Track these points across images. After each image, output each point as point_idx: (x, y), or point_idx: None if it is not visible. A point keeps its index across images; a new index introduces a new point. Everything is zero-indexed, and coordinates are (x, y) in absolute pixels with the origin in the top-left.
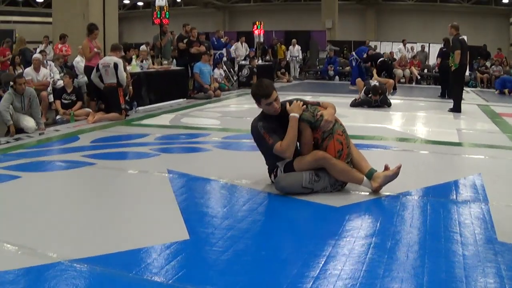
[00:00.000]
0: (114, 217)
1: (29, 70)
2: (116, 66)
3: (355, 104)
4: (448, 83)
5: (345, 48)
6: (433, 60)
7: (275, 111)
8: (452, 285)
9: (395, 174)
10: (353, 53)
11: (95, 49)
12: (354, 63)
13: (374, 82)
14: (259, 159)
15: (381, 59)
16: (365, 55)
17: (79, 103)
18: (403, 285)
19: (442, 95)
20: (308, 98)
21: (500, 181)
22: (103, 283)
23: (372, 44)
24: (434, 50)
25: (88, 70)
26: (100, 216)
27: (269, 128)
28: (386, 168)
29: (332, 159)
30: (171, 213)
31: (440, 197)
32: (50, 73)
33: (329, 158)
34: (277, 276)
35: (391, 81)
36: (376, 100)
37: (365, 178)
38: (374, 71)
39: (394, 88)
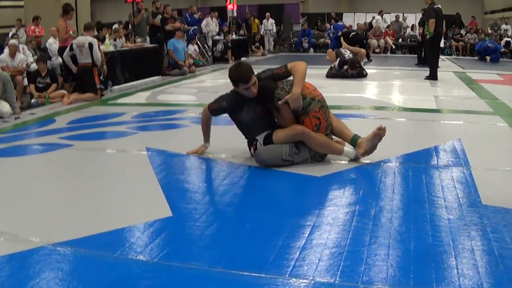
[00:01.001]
0: (95, 198)
1: (3, 56)
2: (91, 45)
3: (331, 75)
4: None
5: (318, 20)
6: (408, 29)
7: (253, 94)
8: (439, 249)
9: (378, 136)
10: (331, 27)
11: (70, 32)
12: (331, 35)
13: (346, 51)
14: (237, 133)
15: (353, 32)
16: (340, 33)
17: (53, 85)
18: (390, 251)
19: (419, 62)
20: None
21: (480, 146)
22: (87, 265)
23: (346, 15)
24: (408, 20)
25: (62, 51)
26: (81, 197)
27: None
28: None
29: (311, 133)
30: (152, 191)
31: (421, 163)
32: (26, 59)
33: (308, 132)
34: (263, 248)
35: (363, 50)
36: (352, 73)
37: (345, 148)
38: (342, 40)
39: (369, 58)
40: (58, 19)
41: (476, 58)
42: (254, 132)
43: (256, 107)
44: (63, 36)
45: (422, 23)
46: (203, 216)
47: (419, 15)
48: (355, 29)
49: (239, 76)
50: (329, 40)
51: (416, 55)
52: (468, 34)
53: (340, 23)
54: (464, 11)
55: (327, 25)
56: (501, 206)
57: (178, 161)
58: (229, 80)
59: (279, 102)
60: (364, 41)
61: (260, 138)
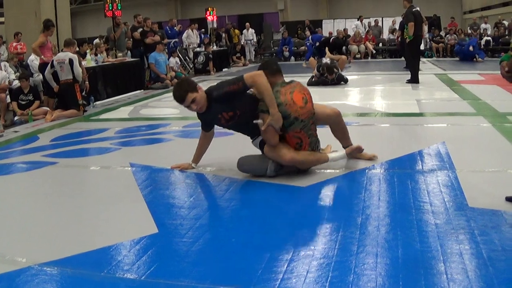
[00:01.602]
0: (81, 216)
1: None
2: (71, 61)
3: (312, 83)
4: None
5: (298, 29)
6: (387, 34)
7: (198, 110)
8: (428, 254)
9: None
10: (310, 37)
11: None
12: (308, 44)
13: (326, 59)
14: (221, 146)
15: (333, 37)
16: (317, 44)
17: (36, 103)
18: (378, 259)
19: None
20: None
21: (464, 148)
22: (75, 284)
23: (325, 21)
24: (387, 24)
25: (43, 67)
26: (67, 216)
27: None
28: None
29: (298, 159)
30: (138, 207)
31: (406, 169)
32: (8, 76)
33: (296, 161)
34: (250, 262)
35: (343, 56)
36: (332, 79)
37: (330, 155)
38: (327, 49)
39: (349, 62)
40: (39, 34)
41: (457, 59)
42: (244, 132)
43: (221, 115)
44: (34, 47)
45: (401, 27)
46: (189, 231)
47: (399, 19)
48: (334, 35)
49: (174, 96)
50: (307, 49)
51: (404, 58)
52: (448, 35)
53: (318, 34)
54: (443, 12)
55: (307, 32)
56: (488, 208)
57: (162, 176)
58: None
59: (262, 128)
60: (344, 47)
61: (257, 141)
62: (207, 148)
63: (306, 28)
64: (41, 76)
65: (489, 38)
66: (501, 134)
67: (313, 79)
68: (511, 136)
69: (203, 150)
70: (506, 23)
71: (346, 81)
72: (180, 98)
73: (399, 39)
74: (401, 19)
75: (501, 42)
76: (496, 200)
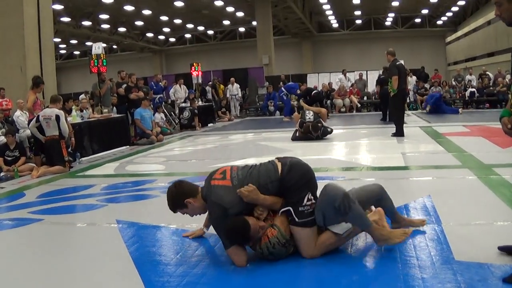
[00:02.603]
0: (67, 274)
1: None
2: (58, 118)
3: (296, 138)
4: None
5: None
6: (372, 87)
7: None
8: None
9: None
10: (282, 88)
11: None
12: (285, 98)
13: (309, 113)
14: None
15: (315, 91)
16: (298, 91)
17: (22, 159)
18: None
19: (384, 119)
20: (250, 135)
21: (450, 201)
22: None
23: (310, 75)
24: (372, 77)
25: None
26: (53, 274)
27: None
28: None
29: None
30: (125, 264)
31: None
32: None
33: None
34: None
35: (324, 109)
36: (317, 135)
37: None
38: (302, 102)
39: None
40: (25, 91)
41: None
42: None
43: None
44: (29, 107)
45: (380, 81)
46: None
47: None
48: (319, 89)
49: (168, 204)
50: (283, 103)
51: (381, 111)
52: (432, 88)
53: (291, 83)
54: (427, 64)
55: (281, 83)
56: (475, 261)
57: (149, 233)
58: (197, 147)
59: None
60: (328, 100)
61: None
62: None
63: (281, 82)
64: (27, 132)
65: (473, 89)
66: (486, 187)
67: (297, 134)
68: (497, 189)
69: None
70: (490, 74)
71: (330, 132)
72: (171, 208)
73: (378, 92)
74: (380, 73)
75: (485, 93)
76: (482, 252)
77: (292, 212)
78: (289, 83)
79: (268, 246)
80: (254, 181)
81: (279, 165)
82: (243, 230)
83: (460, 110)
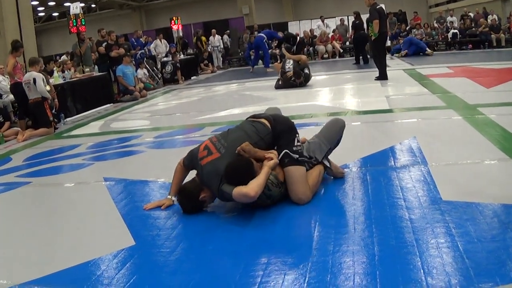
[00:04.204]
0: (58, 233)
1: None
2: (34, 80)
3: (279, 86)
4: (361, 52)
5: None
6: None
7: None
8: (404, 250)
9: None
10: (262, 35)
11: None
12: (266, 45)
13: (289, 62)
14: None
15: (299, 36)
16: (281, 35)
17: (7, 124)
18: (355, 257)
19: (357, 62)
20: (234, 86)
21: (435, 142)
22: None
23: (291, 23)
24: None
25: (15, 87)
26: (44, 234)
27: None
28: None
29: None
30: (114, 221)
31: (378, 166)
32: None
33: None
34: (228, 267)
35: (304, 56)
36: (301, 82)
37: None
38: (284, 50)
39: None
40: (5, 55)
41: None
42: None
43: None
44: (9, 71)
45: (354, 26)
46: (166, 241)
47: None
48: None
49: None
50: (263, 52)
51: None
52: (414, 30)
53: (268, 29)
54: (408, 8)
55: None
56: (462, 200)
57: (137, 188)
58: (182, 101)
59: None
60: (310, 47)
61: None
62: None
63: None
64: (11, 96)
65: (455, 31)
66: (472, 127)
67: (280, 82)
68: (482, 128)
69: (180, 179)
70: (472, 15)
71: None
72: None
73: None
74: (353, 19)
75: (467, 34)
76: (470, 192)
77: (289, 152)
78: (267, 30)
79: (264, 190)
80: (244, 142)
81: (264, 121)
82: (247, 166)
83: (428, 51)
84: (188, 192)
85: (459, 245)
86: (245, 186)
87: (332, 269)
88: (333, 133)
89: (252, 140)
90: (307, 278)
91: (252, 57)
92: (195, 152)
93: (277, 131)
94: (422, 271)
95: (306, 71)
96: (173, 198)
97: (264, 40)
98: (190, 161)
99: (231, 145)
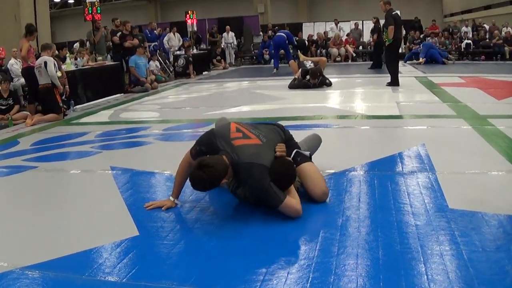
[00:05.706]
0: (62, 219)
1: None
2: (46, 64)
3: (293, 86)
4: (379, 57)
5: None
6: (367, 37)
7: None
8: (408, 256)
9: None
10: (283, 34)
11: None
12: (288, 46)
13: (307, 62)
14: None
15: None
16: (296, 39)
17: (16, 107)
18: (359, 260)
19: (373, 67)
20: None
21: (444, 150)
22: (56, 287)
23: (305, 25)
24: (368, 27)
25: (26, 71)
26: (48, 219)
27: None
28: None
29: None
30: (118, 210)
31: (386, 170)
32: None
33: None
34: (231, 263)
35: (324, 58)
36: (314, 83)
37: None
38: (299, 53)
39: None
40: (19, 39)
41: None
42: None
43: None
44: (23, 54)
45: (375, 30)
46: (170, 233)
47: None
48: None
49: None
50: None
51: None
52: (428, 38)
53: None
54: (423, 15)
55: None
56: (468, 209)
57: (143, 179)
58: (191, 95)
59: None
60: (323, 50)
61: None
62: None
63: (271, 32)
64: (21, 80)
65: (469, 41)
66: (481, 137)
67: (295, 82)
68: (491, 139)
69: (184, 181)
70: (486, 26)
71: (329, 84)
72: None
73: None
74: (373, 24)
75: (481, 45)
76: (476, 201)
77: (300, 151)
78: (279, 35)
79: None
80: (277, 139)
81: (277, 127)
82: (293, 170)
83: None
84: (217, 174)
85: (464, 254)
86: (298, 202)
87: (336, 270)
88: (313, 147)
89: (279, 140)
90: (310, 279)
91: (265, 55)
92: (222, 132)
93: (287, 136)
94: (425, 277)
95: (328, 82)
96: (176, 201)
97: (283, 39)
98: (208, 145)
99: (269, 138)
